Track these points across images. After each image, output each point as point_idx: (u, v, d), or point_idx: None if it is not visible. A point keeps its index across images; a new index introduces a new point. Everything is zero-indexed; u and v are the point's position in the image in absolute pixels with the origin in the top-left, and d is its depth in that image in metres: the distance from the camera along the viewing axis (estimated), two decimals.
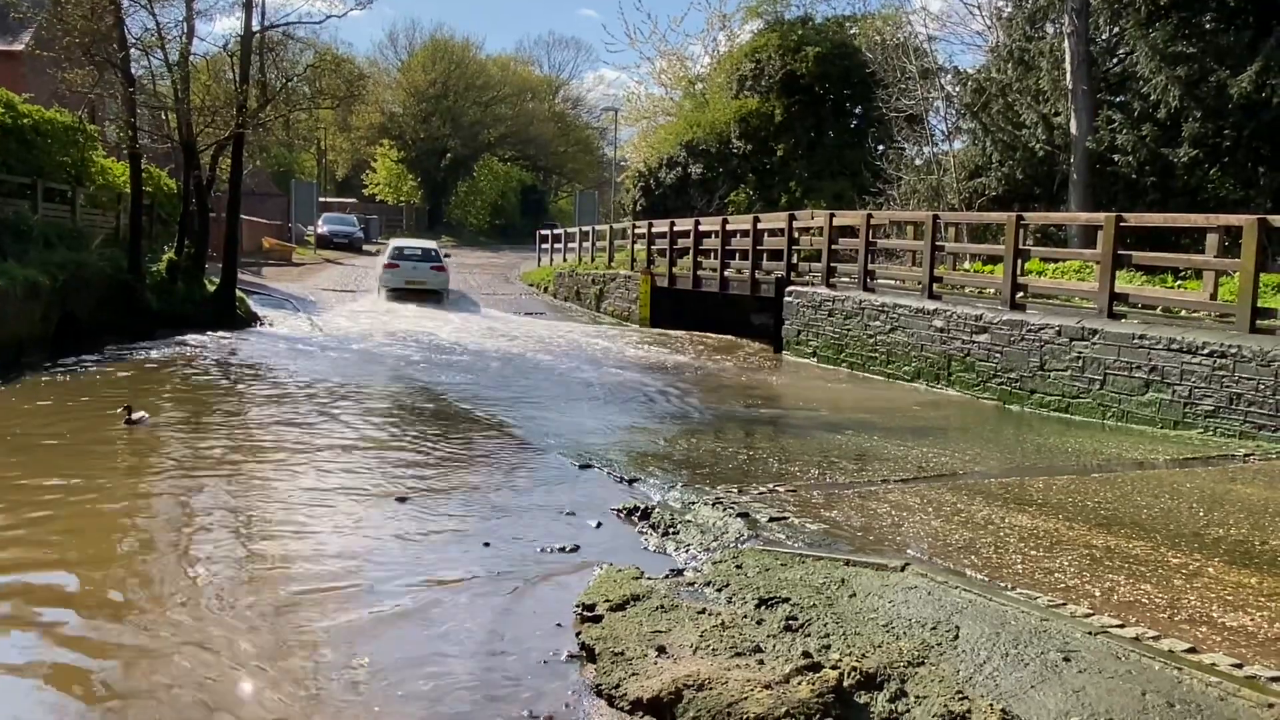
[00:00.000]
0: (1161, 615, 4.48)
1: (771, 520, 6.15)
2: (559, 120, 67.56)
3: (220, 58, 22.43)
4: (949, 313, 13.39)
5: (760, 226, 19.61)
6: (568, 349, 18.27)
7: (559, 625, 4.75)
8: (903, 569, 4.92)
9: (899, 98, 25.94)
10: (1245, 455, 8.71)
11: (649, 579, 5.18)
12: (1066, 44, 19.66)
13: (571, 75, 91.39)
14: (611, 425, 10.74)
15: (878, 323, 14.81)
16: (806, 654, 4.01)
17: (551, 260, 34.80)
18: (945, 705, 3.55)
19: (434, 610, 4.94)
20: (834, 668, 3.77)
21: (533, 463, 8.49)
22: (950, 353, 13.30)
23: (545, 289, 31.28)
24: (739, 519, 6.18)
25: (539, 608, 5.00)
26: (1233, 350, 9.63)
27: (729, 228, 20.67)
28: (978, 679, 3.77)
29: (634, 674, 4.03)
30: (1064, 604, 4.50)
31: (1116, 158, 18.79)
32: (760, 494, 6.92)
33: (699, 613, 4.58)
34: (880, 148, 30.93)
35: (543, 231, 38.31)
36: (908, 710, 3.61)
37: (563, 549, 5.92)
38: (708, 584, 5.11)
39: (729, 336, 20.44)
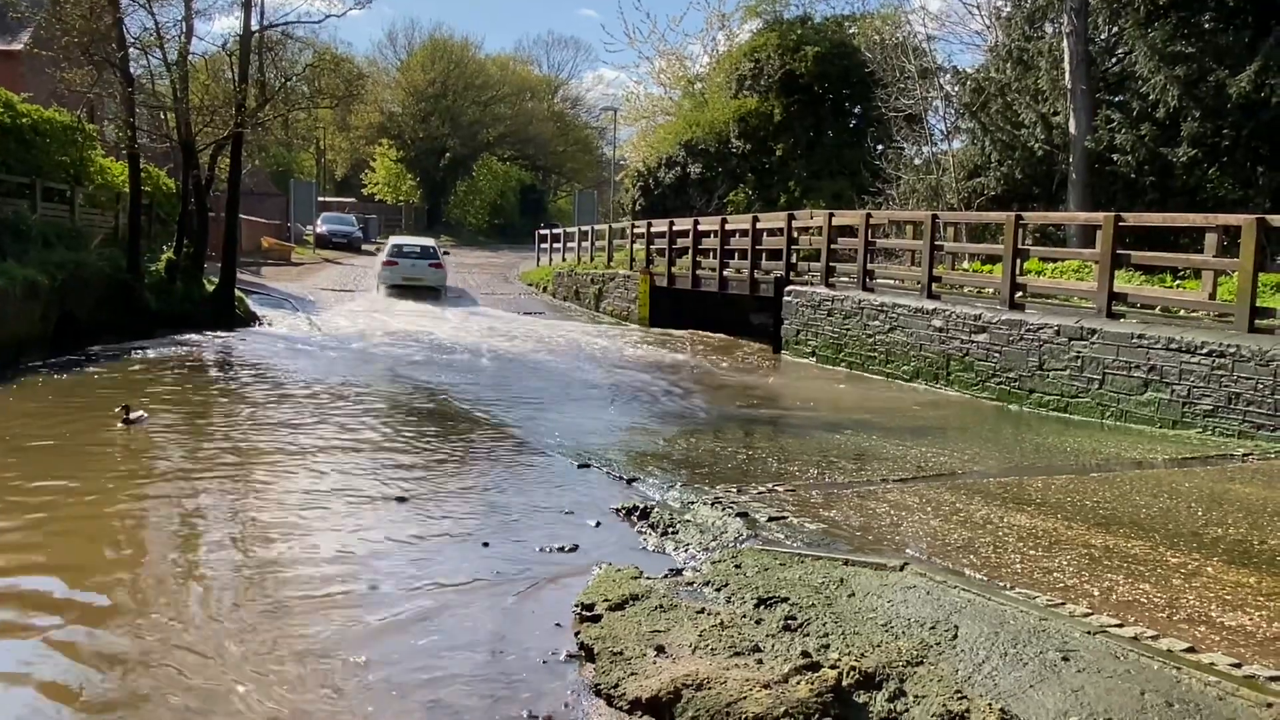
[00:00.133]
0: (1160, 615, 4.48)
1: (770, 520, 6.15)
2: (558, 120, 67.53)
3: (219, 57, 22.45)
4: (948, 312, 13.39)
5: (759, 226, 19.61)
6: (567, 348, 18.26)
7: (558, 625, 4.75)
8: (901, 568, 4.92)
9: (898, 97, 25.94)
10: (1244, 455, 8.71)
11: (648, 579, 5.18)
12: (1065, 44, 19.66)
13: (571, 75, 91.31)
14: (610, 425, 10.74)
15: (877, 322, 14.81)
16: (805, 653, 4.01)
17: (550, 260, 34.81)
18: (944, 705, 3.55)
19: (433, 610, 4.94)
20: (833, 667, 3.77)
21: (532, 462, 8.49)
22: (949, 352, 13.30)
23: (544, 289, 31.28)
24: (738, 519, 6.18)
25: (538, 608, 5.00)
26: (1231, 350, 9.64)
27: (728, 227, 20.67)
28: (976, 678, 3.77)
29: (633, 674, 4.03)
30: (1063, 603, 4.51)
31: (1115, 157, 18.80)
32: (759, 494, 6.92)
33: (698, 612, 4.58)
34: (879, 147, 30.94)
35: (542, 231, 38.32)
36: (906, 710, 3.61)
37: (562, 549, 5.92)
38: (707, 584, 5.11)
39: (728, 336, 20.44)
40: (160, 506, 6.82)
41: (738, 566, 5.25)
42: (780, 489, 7.08)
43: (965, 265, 17.72)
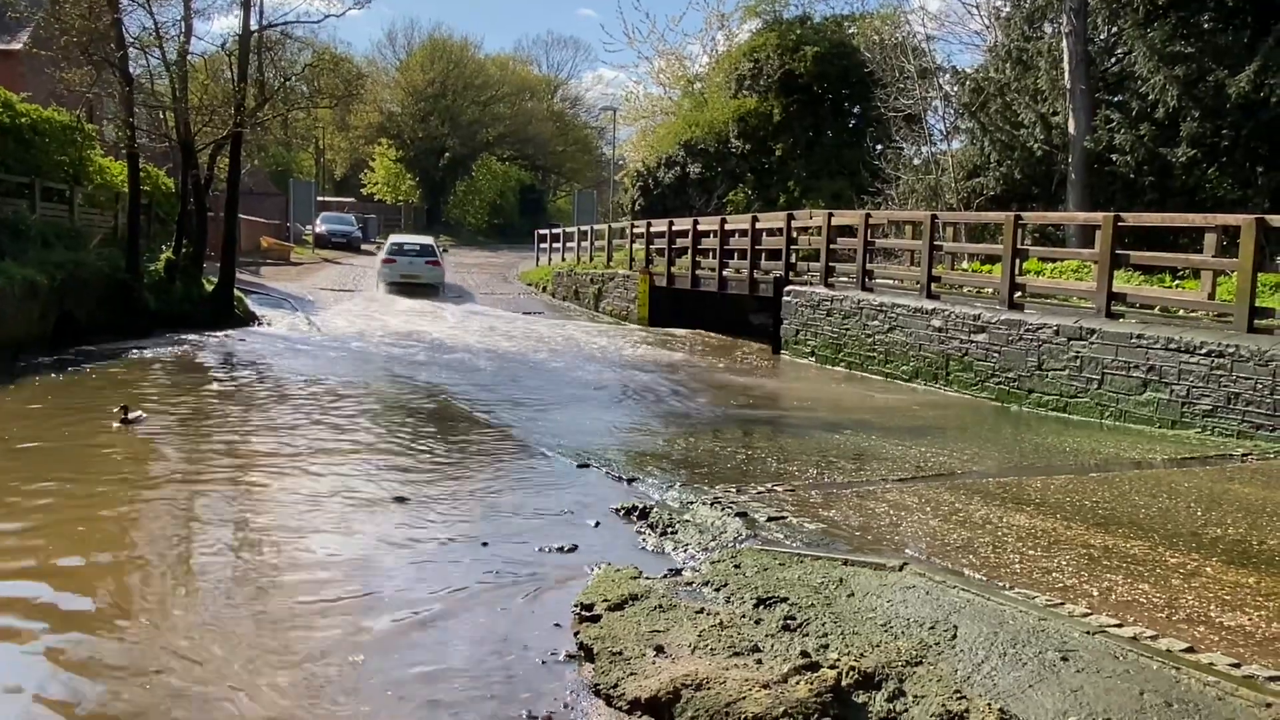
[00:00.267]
0: (1159, 615, 4.48)
1: (770, 520, 6.15)
2: (557, 120, 67.50)
3: (218, 57, 22.45)
4: (947, 312, 13.39)
5: (759, 226, 19.62)
6: (566, 348, 18.26)
7: (557, 625, 4.74)
8: (901, 568, 4.92)
9: (897, 97, 25.94)
10: (1243, 455, 8.71)
11: (647, 579, 5.18)
12: (1065, 44, 19.67)
13: (570, 75, 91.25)
14: (610, 425, 10.74)
15: (876, 322, 14.82)
16: (805, 653, 4.01)
17: (550, 260, 34.81)
18: (943, 705, 3.55)
19: (431, 610, 4.94)
20: (832, 667, 3.77)
21: (531, 462, 8.49)
22: (948, 352, 13.31)
23: (544, 288, 31.28)
24: (737, 518, 6.18)
25: (537, 608, 5.00)
26: (1230, 350, 9.64)
27: (727, 227, 20.67)
28: (976, 678, 3.77)
29: (632, 674, 4.03)
30: (1062, 603, 4.51)
31: (1114, 157, 18.80)
32: (758, 493, 6.92)
33: (697, 612, 4.58)
34: (879, 147, 30.94)
35: (541, 231, 38.34)
36: (906, 710, 3.61)
37: (561, 549, 5.92)
38: (706, 583, 5.11)
39: (727, 336, 20.44)
40: (158, 508, 6.81)
41: (737, 566, 5.25)
42: (779, 489, 7.08)
43: (964, 265, 17.73)
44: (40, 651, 4.44)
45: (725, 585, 5.01)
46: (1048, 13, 21.14)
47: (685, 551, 5.92)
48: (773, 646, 4.21)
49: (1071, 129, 19.55)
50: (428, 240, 32.34)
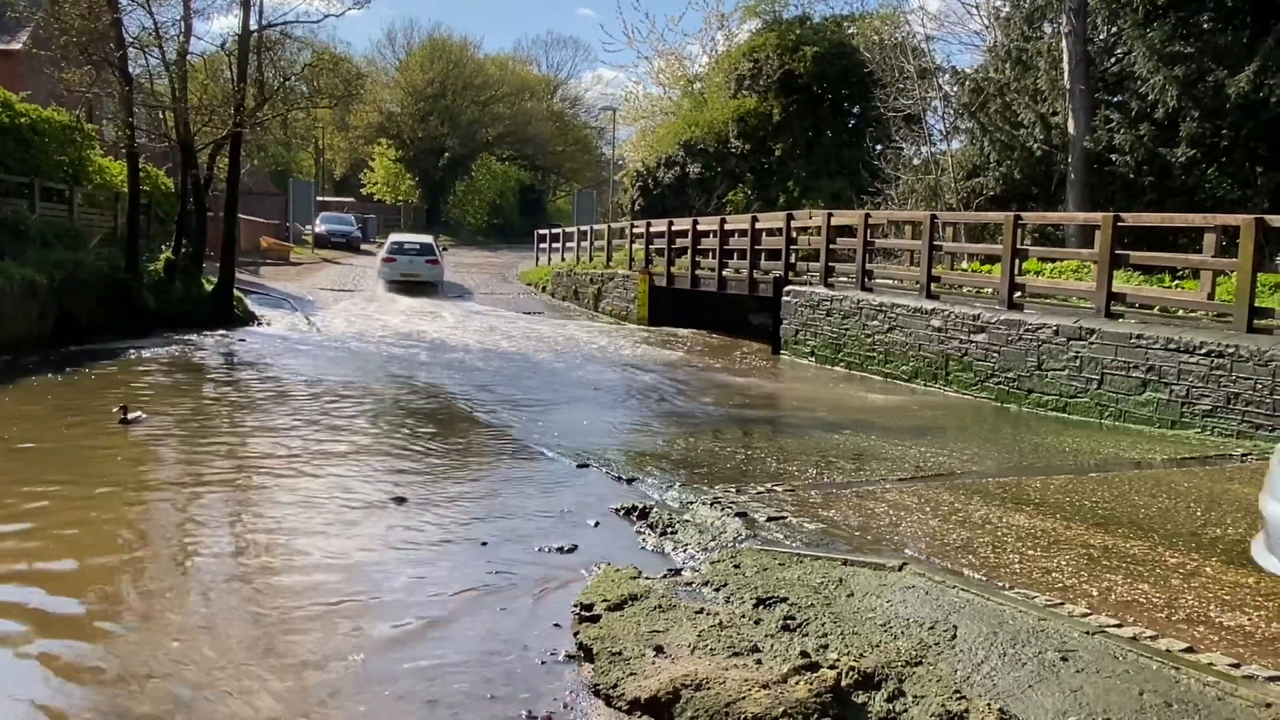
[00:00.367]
0: (1159, 615, 4.48)
1: (769, 520, 6.15)
2: (557, 120, 67.50)
3: (218, 57, 22.44)
4: (947, 312, 13.39)
5: (758, 226, 19.62)
6: (566, 348, 18.26)
7: (557, 625, 4.74)
8: (900, 568, 4.92)
9: (897, 97, 25.94)
10: (1243, 455, 8.71)
11: (647, 579, 5.18)
12: (1064, 44, 19.66)
13: (570, 75, 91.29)
14: (609, 424, 10.74)
15: (875, 322, 14.82)
16: (804, 654, 4.01)
17: (549, 260, 34.81)
18: (943, 705, 3.55)
19: (431, 610, 4.93)
20: (832, 667, 3.77)
21: (530, 462, 8.48)
22: (948, 352, 13.31)
23: (543, 288, 31.28)
24: (737, 518, 6.18)
25: (536, 608, 5.00)
26: (1230, 350, 9.64)
27: (727, 227, 20.67)
28: (975, 678, 3.77)
29: (632, 674, 4.03)
30: (1061, 603, 4.51)
31: (1114, 157, 18.80)
32: (758, 493, 6.92)
33: (697, 612, 4.58)
34: (878, 147, 30.94)
35: (541, 231, 38.36)
36: (905, 710, 3.61)
37: (560, 549, 5.91)
38: (706, 584, 5.11)
39: (727, 336, 20.44)
40: (157, 510, 6.80)
41: (736, 566, 5.25)
42: (779, 489, 7.08)
43: (964, 265, 17.74)
44: (34, 656, 4.38)
45: (725, 585, 5.01)
46: (1047, 13, 21.14)
47: (685, 551, 5.92)
48: (772, 647, 4.21)
49: (1071, 129, 19.55)
50: (427, 239, 32.93)
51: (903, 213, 21.36)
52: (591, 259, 30.22)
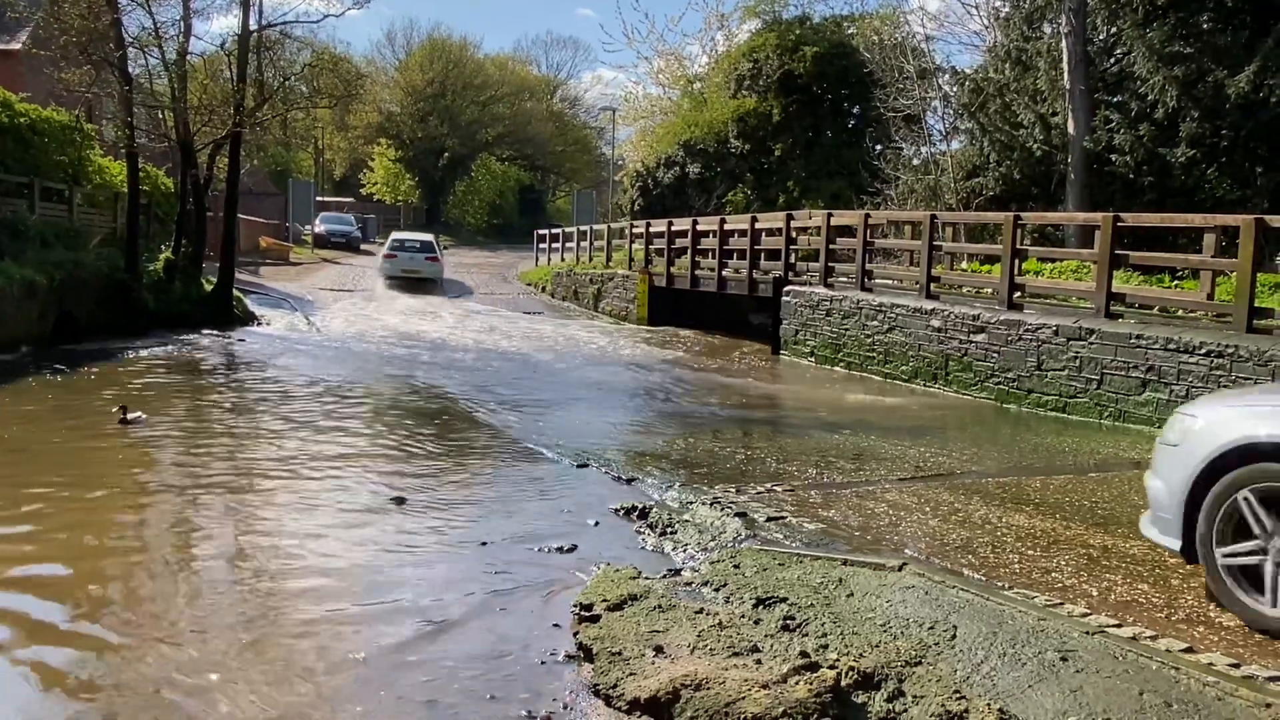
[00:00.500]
0: (1159, 615, 4.48)
1: (769, 520, 6.15)
2: (557, 120, 67.50)
3: (217, 57, 22.44)
4: (946, 312, 13.39)
5: (758, 226, 19.62)
6: (565, 348, 18.26)
7: (556, 625, 4.74)
8: (900, 568, 4.91)
9: (897, 97, 25.94)
10: None
11: (646, 579, 5.18)
12: (1064, 44, 19.66)
13: (569, 75, 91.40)
14: (609, 424, 10.74)
15: (875, 322, 14.82)
16: (804, 654, 4.01)
17: (549, 260, 34.82)
18: (943, 705, 3.55)
19: (429, 610, 4.93)
20: (831, 667, 3.77)
21: (530, 462, 8.48)
22: (948, 352, 13.31)
23: (543, 288, 31.29)
24: (737, 518, 6.18)
25: (536, 607, 5.00)
26: (1230, 350, 9.64)
27: (727, 227, 20.67)
28: (975, 678, 3.77)
29: (631, 674, 4.03)
30: (1061, 603, 4.51)
31: (1114, 157, 18.80)
32: (758, 493, 6.92)
33: (696, 612, 4.58)
34: (878, 147, 30.95)
35: (540, 231, 38.38)
36: (905, 710, 3.61)
37: (560, 548, 5.91)
38: (705, 584, 5.11)
39: (727, 336, 20.44)
40: (156, 512, 6.78)
41: (736, 566, 5.24)
42: (779, 489, 7.08)
43: (964, 265, 17.74)
44: (26, 662, 4.30)
45: (724, 585, 5.01)
46: (1047, 13, 21.14)
47: (684, 551, 5.91)
48: (772, 646, 4.20)
49: (1071, 129, 19.55)
50: (428, 237, 33.81)
51: (902, 213, 21.36)
52: (591, 259, 30.23)
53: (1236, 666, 3.81)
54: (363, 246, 42.11)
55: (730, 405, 12.42)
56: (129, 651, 4.39)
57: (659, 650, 4.18)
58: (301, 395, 11.74)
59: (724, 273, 20.40)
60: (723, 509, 6.41)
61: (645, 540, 6.19)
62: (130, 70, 19.02)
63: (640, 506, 6.72)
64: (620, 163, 46.73)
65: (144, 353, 14.98)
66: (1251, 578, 4.29)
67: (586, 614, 4.69)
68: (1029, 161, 20.95)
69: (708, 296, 21.60)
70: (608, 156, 55.76)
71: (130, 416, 9.32)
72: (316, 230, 40.86)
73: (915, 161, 26.50)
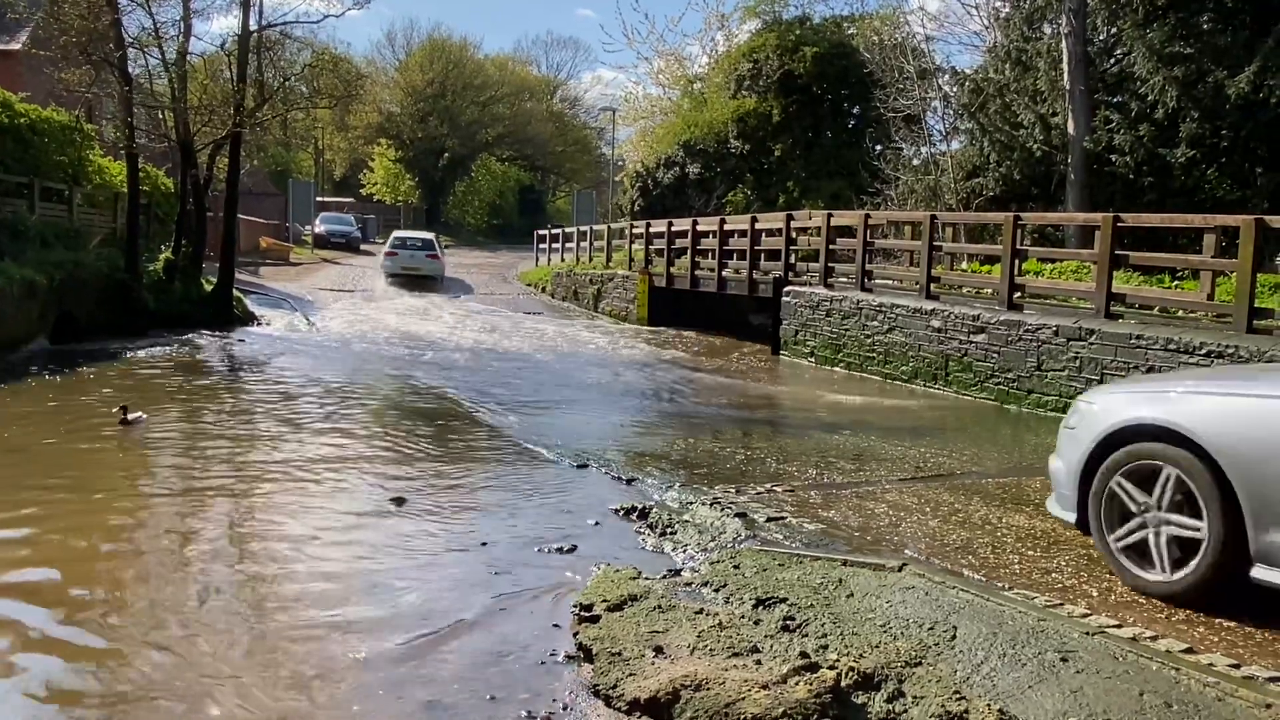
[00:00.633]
0: (1159, 615, 4.48)
1: (769, 520, 6.15)
2: (557, 120, 67.53)
3: (217, 57, 22.44)
4: (946, 313, 13.39)
5: (758, 226, 19.62)
6: (565, 348, 18.26)
7: (556, 626, 4.74)
8: (900, 569, 4.91)
9: (897, 98, 25.95)
10: None
11: (646, 579, 5.17)
12: (1064, 44, 19.67)
13: (569, 75, 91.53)
14: (608, 425, 10.74)
15: (875, 323, 14.82)
16: (804, 654, 4.01)
17: (549, 260, 34.83)
18: (943, 705, 3.55)
19: (429, 610, 4.93)
20: (831, 668, 3.77)
21: (530, 462, 8.48)
22: (948, 353, 13.31)
23: (543, 289, 31.29)
24: (737, 519, 6.18)
25: (536, 608, 4.99)
26: (1230, 350, 9.64)
27: (727, 228, 20.67)
28: (975, 679, 3.77)
29: (631, 674, 4.03)
30: (1061, 604, 4.51)
31: (1114, 158, 18.81)
32: (758, 494, 6.92)
33: (696, 613, 4.58)
34: (878, 148, 30.94)
35: (540, 231, 38.42)
36: (905, 710, 3.61)
37: (560, 549, 5.91)
38: (705, 584, 5.11)
39: (727, 336, 20.44)
40: (155, 514, 6.77)
41: (736, 567, 5.24)
42: (779, 489, 7.08)
43: (964, 266, 17.74)
44: (19, 669, 4.23)
45: (724, 586, 5.01)
46: (1047, 13, 21.14)
47: (684, 552, 5.91)
48: (772, 647, 4.20)
49: (1071, 130, 19.56)
50: (429, 236, 34.56)
51: (902, 213, 21.36)
52: (591, 259, 30.23)
53: (1237, 667, 3.81)
54: (363, 247, 42.12)
55: (730, 405, 12.42)
56: (126, 657, 4.37)
57: (659, 651, 4.18)
58: (301, 396, 11.74)
59: (724, 273, 20.40)
60: (723, 509, 6.41)
61: (645, 541, 6.19)
62: (130, 70, 19.02)
63: (640, 507, 6.71)
64: (620, 163, 46.75)
65: (144, 353, 14.97)
66: (1138, 547, 4.73)
67: (586, 614, 4.69)
68: (1029, 162, 20.96)
69: (708, 297, 21.60)
70: (608, 157, 55.81)
71: (131, 417, 9.31)
72: (316, 230, 40.86)
73: (915, 162, 26.51)
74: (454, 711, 3.92)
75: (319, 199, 47.41)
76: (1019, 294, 12.88)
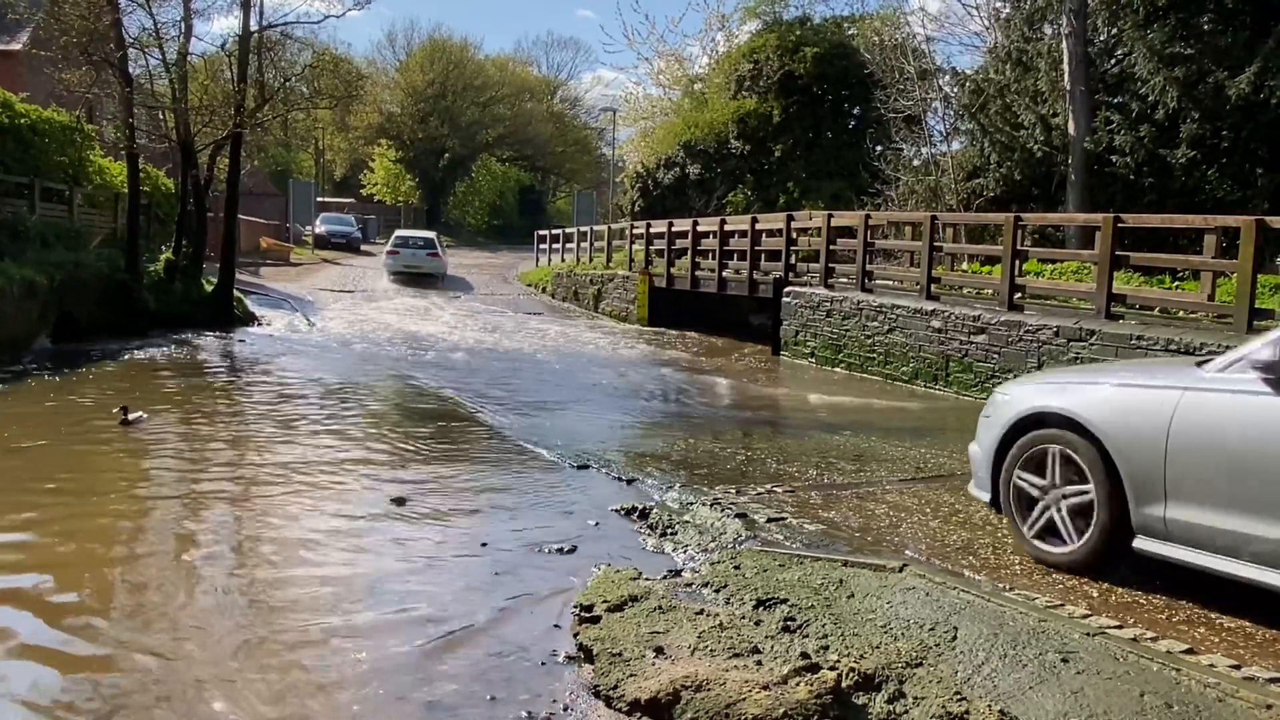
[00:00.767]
0: (1159, 616, 4.48)
1: (769, 521, 6.15)
2: (557, 120, 67.53)
3: (218, 57, 22.45)
4: (947, 313, 13.39)
5: (758, 227, 19.62)
6: (565, 349, 18.26)
7: (556, 626, 4.73)
8: (901, 570, 4.91)
9: (897, 98, 25.95)
10: None
11: (647, 580, 5.17)
12: (1064, 45, 19.67)
13: (570, 76, 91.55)
14: (609, 425, 10.74)
15: (875, 323, 14.81)
16: (804, 655, 4.00)
17: (549, 261, 34.83)
18: (943, 706, 3.55)
19: (430, 611, 4.92)
20: (832, 668, 3.77)
21: (530, 463, 8.48)
22: (948, 353, 13.30)
23: (543, 289, 31.29)
24: (737, 519, 6.17)
25: (536, 609, 4.99)
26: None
27: (727, 228, 20.67)
28: (976, 680, 3.77)
29: (632, 675, 4.03)
30: (1062, 605, 4.50)
31: (1114, 158, 18.80)
32: (758, 494, 6.92)
33: (697, 613, 4.57)
34: (878, 148, 30.94)
35: (541, 232, 38.44)
36: (906, 711, 3.61)
37: (560, 549, 5.91)
38: (706, 585, 5.10)
39: (727, 337, 20.44)
40: (155, 515, 6.76)
41: (737, 568, 5.24)
42: (779, 490, 7.07)
43: (964, 266, 17.73)
44: (18, 674, 4.18)
45: (725, 586, 5.01)
46: (1047, 14, 21.15)
47: (685, 552, 5.91)
48: (773, 648, 4.20)
49: (1071, 130, 19.55)
50: (430, 235, 35.26)
51: (903, 214, 21.37)
52: (591, 260, 30.23)
53: (1237, 668, 3.81)
54: (363, 247, 42.14)
55: (730, 406, 12.41)
56: (122, 661, 4.35)
57: (659, 651, 4.18)
58: (302, 396, 11.74)
59: (724, 274, 20.40)
60: (723, 510, 6.40)
61: (646, 541, 6.18)
62: (131, 71, 19.02)
63: (641, 507, 6.71)
64: (620, 163, 46.76)
65: (144, 353, 14.97)
66: (1045, 523, 5.16)
67: (587, 615, 4.69)
68: (1029, 162, 20.95)
69: (708, 297, 21.60)
70: (608, 157, 55.85)
71: (131, 417, 9.31)
72: (317, 231, 40.87)
73: (916, 162, 26.51)
74: (454, 712, 3.92)
75: (319, 199, 47.42)
76: (1019, 295, 12.88)
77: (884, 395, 13.26)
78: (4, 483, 7.23)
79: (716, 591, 4.99)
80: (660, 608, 4.67)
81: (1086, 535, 4.91)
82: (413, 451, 8.75)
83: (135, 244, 18.53)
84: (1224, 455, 4.36)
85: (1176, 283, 14.34)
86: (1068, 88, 19.62)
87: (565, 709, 3.94)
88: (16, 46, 27.62)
